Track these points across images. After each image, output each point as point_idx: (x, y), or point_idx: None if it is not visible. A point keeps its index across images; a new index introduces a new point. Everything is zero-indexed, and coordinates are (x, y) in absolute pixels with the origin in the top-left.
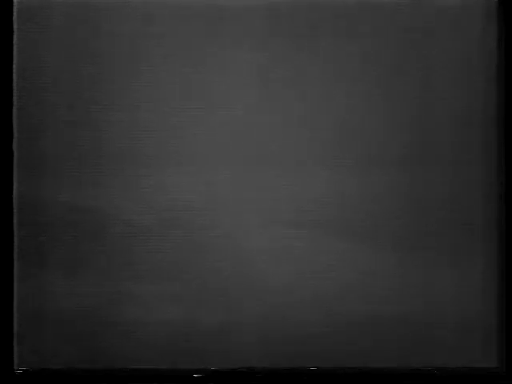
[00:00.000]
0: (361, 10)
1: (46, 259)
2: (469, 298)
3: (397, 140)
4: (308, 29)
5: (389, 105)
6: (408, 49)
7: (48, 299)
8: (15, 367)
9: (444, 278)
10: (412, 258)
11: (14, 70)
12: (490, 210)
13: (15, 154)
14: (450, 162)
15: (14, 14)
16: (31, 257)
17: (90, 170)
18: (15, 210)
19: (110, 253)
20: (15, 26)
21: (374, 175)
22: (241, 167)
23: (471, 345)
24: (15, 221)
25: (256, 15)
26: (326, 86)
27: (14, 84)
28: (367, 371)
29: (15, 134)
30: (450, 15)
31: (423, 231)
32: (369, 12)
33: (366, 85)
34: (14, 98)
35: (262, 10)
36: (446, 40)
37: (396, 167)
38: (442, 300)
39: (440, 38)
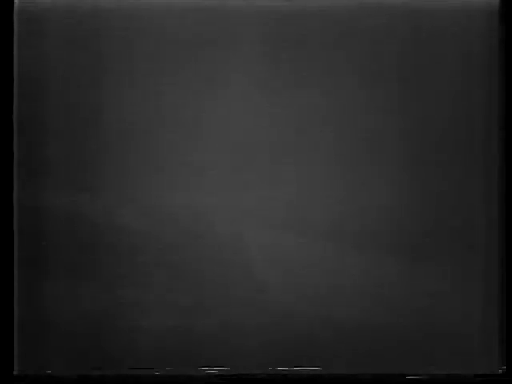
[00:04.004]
0: (361, 11)
1: (45, 264)
2: (469, 300)
3: (397, 142)
4: (307, 32)
5: (389, 105)
6: (409, 49)
7: (47, 303)
8: (15, 371)
9: (444, 280)
10: (411, 261)
11: (14, 70)
12: (489, 210)
13: (15, 159)
14: (450, 163)
15: (14, 14)
16: (31, 261)
17: (89, 175)
18: (15, 215)
19: (110, 258)
20: (15, 27)
21: (373, 179)
22: (240, 171)
23: (472, 346)
24: (15, 226)
25: (257, 19)
26: (326, 86)
27: (15, 84)
28: (368, 377)
29: (15, 138)
30: (451, 15)
31: (422, 233)
32: (369, 13)
33: (365, 85)
34: (14, 99)
35: (262, 14)
36: (447, 40)
37: (396, 169)
38: (442, 302)
39: (441, 38)
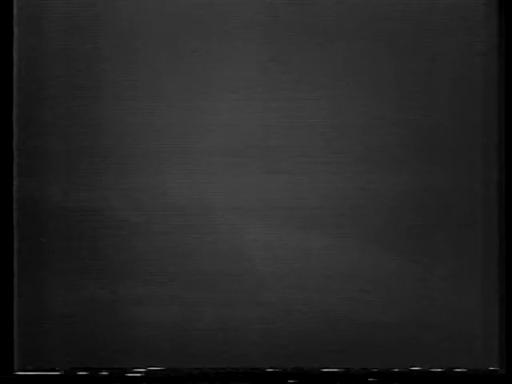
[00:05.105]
0: (361, 10)
1: (45, 260)
2: (469, 299)
3: (396, 140)
4: (309, 24)
5: (388, 104)
6: (408, 49)
7: (48, 300)
8: (15, 369)
9: (444, 279)
10: (411, 259)
11: (14, 69)
12: (490, 211)
13: (15, 153)
14: (450, 162)
15: (14, 13)
16: (31, 257)
17: (88, 169)
18: (15, 210)
19: (110, 253)
20: (15, 26)
21: (373, 175)
22: (237, 166)
23: (471, 346)
24: (15, 221)
25: (259, 6)
26: (326, 83)
27: (14, 83)
28: (368, 373)
29: (15, 134)
30: (450, 15)
31: (422, 232)
32: (368, 12)
33: (365, 84)
34: (14, 98)
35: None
36: (446, 39)
37: (395, 167)
38: (442, 301)
39: (440, 38)
